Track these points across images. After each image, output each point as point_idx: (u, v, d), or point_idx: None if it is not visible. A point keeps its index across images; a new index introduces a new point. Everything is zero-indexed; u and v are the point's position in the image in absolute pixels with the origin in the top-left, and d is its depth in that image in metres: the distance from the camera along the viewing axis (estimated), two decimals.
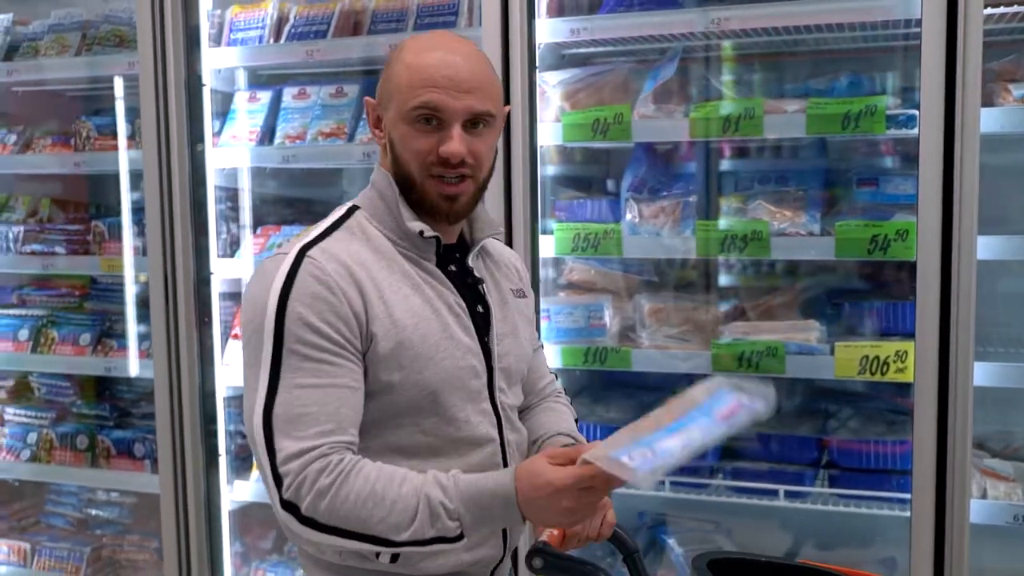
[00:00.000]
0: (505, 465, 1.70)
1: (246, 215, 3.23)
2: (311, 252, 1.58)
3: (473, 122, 1.61)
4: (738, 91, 2.76)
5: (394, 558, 1.54)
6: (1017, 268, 2.73)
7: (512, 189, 2.63)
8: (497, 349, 1.72)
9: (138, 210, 3.26)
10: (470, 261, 1.75)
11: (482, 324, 1.71)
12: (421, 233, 1.63)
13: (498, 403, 1.71)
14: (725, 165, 2.82)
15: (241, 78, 3.21)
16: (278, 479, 1.50)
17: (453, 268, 1.71)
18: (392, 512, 1.49)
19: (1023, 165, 2.79)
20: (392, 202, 1.66)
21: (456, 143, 1.59)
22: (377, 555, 1.54)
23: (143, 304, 3.26)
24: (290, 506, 1.50)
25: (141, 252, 3.23)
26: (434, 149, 1.60)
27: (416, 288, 1.64)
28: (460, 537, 1.50)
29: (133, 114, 3.24)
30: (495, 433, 1.70)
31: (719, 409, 1.51)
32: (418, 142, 1.60)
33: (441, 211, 1.64)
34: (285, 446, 1.50)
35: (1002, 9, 2.37)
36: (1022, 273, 2.76)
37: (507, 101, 2.59)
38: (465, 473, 1.55)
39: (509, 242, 2.63)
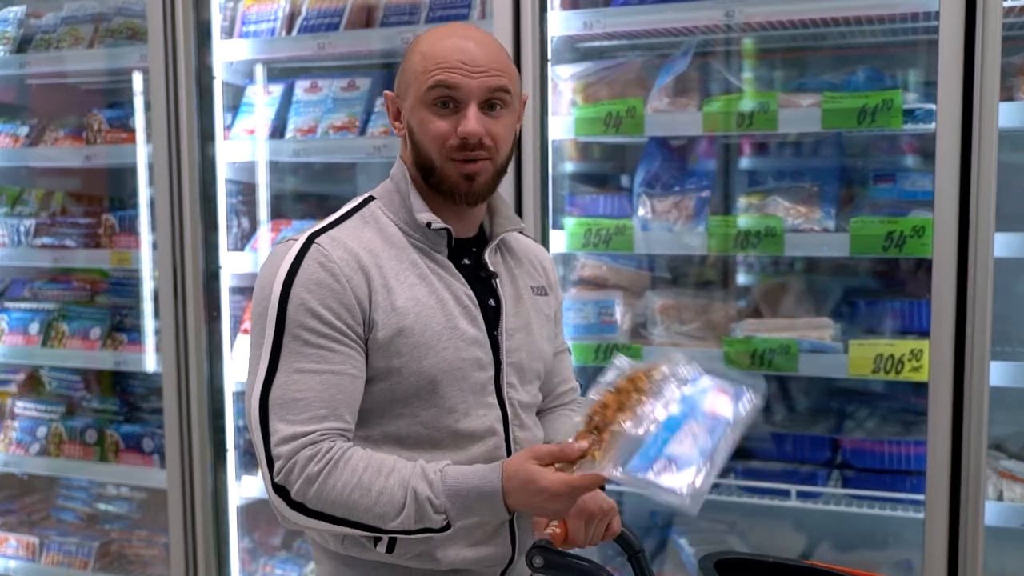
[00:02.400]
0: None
1: (257, 209, 3.21)
2: (319, 239, 1.60)
3: (490, 104, 1.61)
4: (753, 85, 2.73)
5: (390, 548, 1.57)
6: None
7: (522, 183, 2.60)
8: (506, 344, 1.70)
9: (150, 204, 3.25)
10: (487, 256, 1.73)
11: (492, 318, 1.69)
12: (429, 225, 1.63)
13: (506, 398, 1.69)
14: (739, 161, 2.79)
15: (253, 71, 3.20)
16: (270, 461, 1.53)
17: (467, 261, 1.71)
18: (378, 503, 1.51)
19: None
20: (405, 194, 1.67)
21: (473, 122, 1.58)
22: (375, 543, 1.57)
23: (155, 298, 3.25)
24: (280, 490, 1.52)
25: (152, 246, 3.22)
26: (452, 131, 1.60)
27: (423, 278, 1.64)
28: (447, 527, 1.52)
29: (146, 107, 3.23)
30: (500, 427, 1.68)
31: (705, 403, 1.50)
32: (436, 125, 1.60)
33: (460, 191, 1.63)
34: (279, 428, 1.52)
35: (1021, 2, 2.33)
36: None
37: None
38: (456, 466, 1.55)
39: None
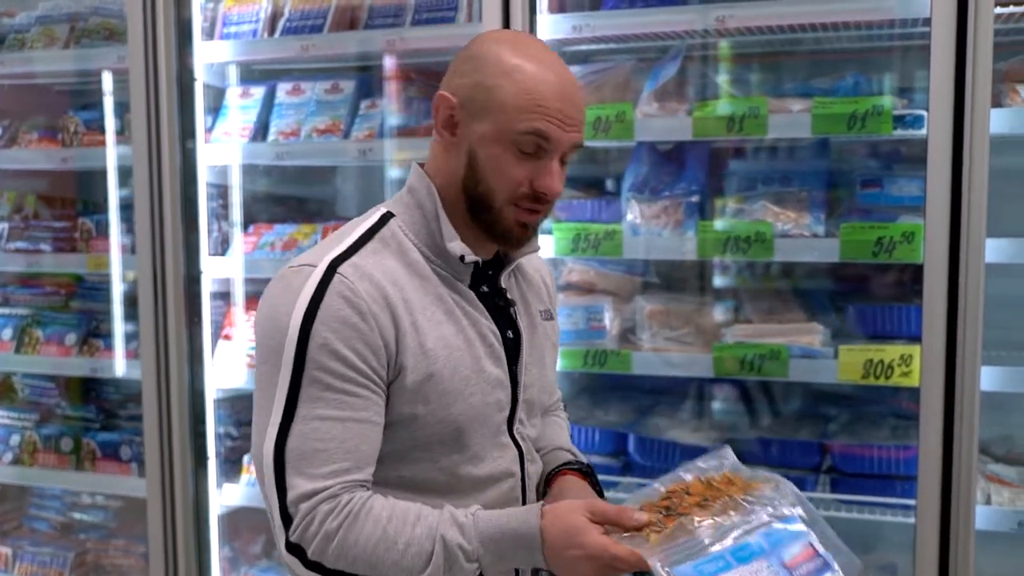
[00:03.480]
0: (524, 500, 1.61)
1: (238, 213, 3.17)
2: (342, 269, 1.44)
3: (565, 157, 1.51)
4: (742, 90, 2.73)
5: None
6: (1016, 270, 2.70)
7: None
8: (523, 380, 1.61)
9: (126, 207, 3.20)
10: (503, 281, 1.62)
11: (512, 351, 1.59)
12: (462, 258, 1.52)
13: (516, 435, 1.61)
14: (728, 165, 2.78)
15: (234, 73, 3.15)
16: (286, 519, 1.40)
17: (485, 288, 1.59)
18: (405, 556, 1.39)
19: None
20: (431, 215, 1.53)
21: (556, 179, 1.48)
22: None
23: (131, 303, 3.20)
24: (296, 549, 1.40)
25: (130, 250, 3.16)
26: (527, 179, 1.48)
27: (449, 314, 1.51)
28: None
29: (122, 109, 3.18)
30: (516, 467, 1.60)
31: (788, 552, 1.34)
32: (515, 169, 1.47)
33: (512, 238, 1.53)
34: (296, 484, 1.39)
35: (1011, 8, 2.34)
36: (1020, 275, 2.73)
37: None
38: (489, 510, 1.46)
39: None
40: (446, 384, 1.48)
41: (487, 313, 1.56)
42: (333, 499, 1.39)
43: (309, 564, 1.40)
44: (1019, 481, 2.53)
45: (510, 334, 1.60)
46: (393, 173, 3.15)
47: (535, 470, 1.66)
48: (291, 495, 1.39)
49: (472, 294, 1.56)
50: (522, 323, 1.63)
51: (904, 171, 2.62)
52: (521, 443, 1.62)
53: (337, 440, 1.40)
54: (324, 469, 1.39)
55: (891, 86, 2.72)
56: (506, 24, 2.55)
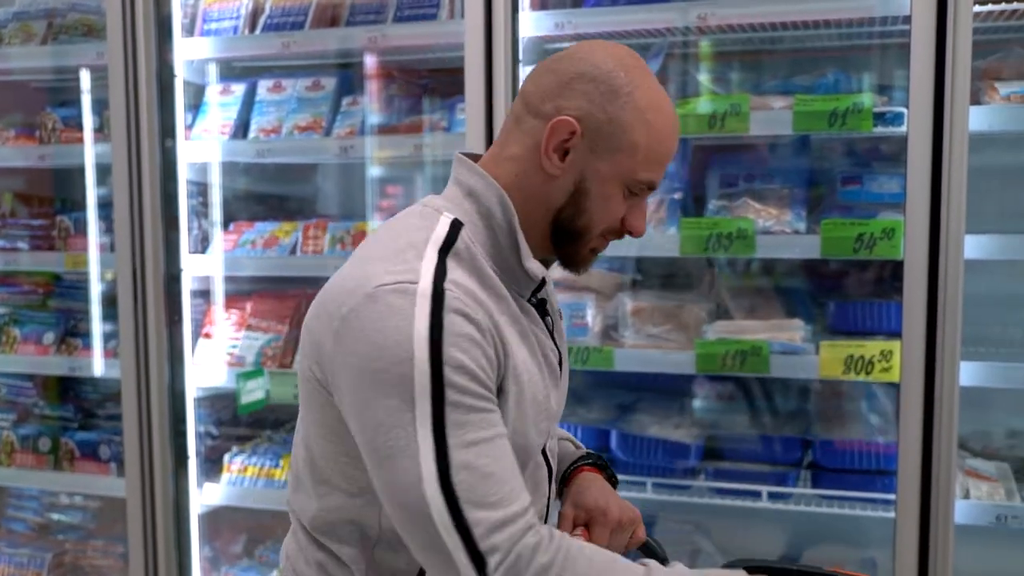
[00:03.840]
0: (545, 520, 1.57)
1: (219, 210, 3.15)
2: (447, 285, 1.32)
3: None
4: (723, 88, 2.74)
5: None
6: (992, 267, 2.73)
7: None
8: (556, 408, 1.55)
9: (105, 205, 3.18)
10: (545, 293, 1.56)
11: (557, 369, 1.53)
12: (541, 281, 1.46)
13: (548, 452, 1.55)
14: (709, 162, 2.79)
15: (214, 70, 3.13)
16: (479, 558, 1.24)
17: (532, 300, 1.51)
18: None
19: (1004, 165, 2.79)
20: (503, 230, 1.42)
21: (643, 222, 1.47)
22: None
23: (109, 302, 3.18)
24: None
25: (109, 248, 3.14)
26: (621, 216, 1.45)
27: (524, 336, 1.43)
28: None
29: (100, 106, 3.15)
30: (546, 487, 1.55)
31: None
32: (619, 209, 1.43)
33: (580, 263, 1.49)
34: (481, 519, 1.24)
35: (989, 7, 2.36)
36: (996, 272, 2.76)
37: (490, 96, 2.55)
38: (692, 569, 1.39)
39: None
40: (526, 407, 1.40)
41: (546, 331, 1.51)
42: (533, 531, 1.28)
43: None
44: (997, 475, 2.55)
45: (554, 350, 1.53)
46: (374, 171, 3.14)
47: (554, 489, 1.62)
48: (479, 531, 1.25)
49: (534, 312, 1.49)
50: (559, 339, 1.58)
51: (884, 168, 2.64)
52: (551, 460, 1.57)
53: (499, 461, 1.29)
54: (502, 492, 1.27)
55: (871, 84, 2.74)
56: (488, 20, 2.54)
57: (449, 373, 1.27)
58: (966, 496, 2.46)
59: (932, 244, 2.29)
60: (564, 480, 1.68)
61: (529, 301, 1.49)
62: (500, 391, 1.35)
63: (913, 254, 2.30)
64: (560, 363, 1.54)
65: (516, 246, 1.42)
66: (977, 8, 2.26)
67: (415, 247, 1.36)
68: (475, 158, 1.50)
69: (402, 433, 1.26)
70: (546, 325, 1.53)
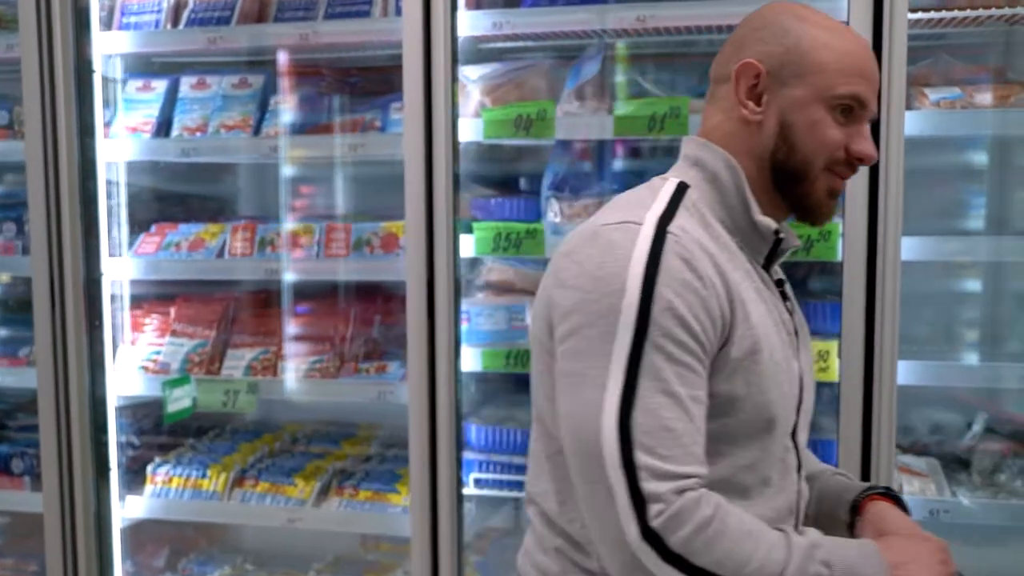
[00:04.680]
0: (797, 516, 1.52)
1: (140, 211, 3.02)
2: (672, 228, 1.32)
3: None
4: (664, 90, 2.74)
5: None
6: (915, 267, 2.80)
7: (434, 187, 2.53)
8: (806, 380, 1.50)
9: (14, 205, 3.02)
10: (777, 267, 1.54)
11: (794, 338, 1.50)
12: (776, 231, 1.44)
13: (798, 442, 1.51)
14: (648, 164, 2.80)
15: (133, 65, 3.01)
16: (640, 501, 1.22)
17: (772, 277, 1.50)
18: (772, 550, 1.26)
19: (934, 168, 2.87)
20: (730, 190, 1.43)
21: (871, 145, 1.44)
22: None
23: (18, 307, 3.02)
24: (654, 537, 1.23)
25: (20, 251, 2.99)
26: (842, 144, 1.43)
27: (759, 293, 1.41)
28: None
29: (10, 102, 3.00)
30: (795, 476, 1.49)
31: None
32: (833, 132, 1.41)
33: (823, 210, 1.46)
34: (651, 464, 1.23)
35: (920, 15, 2.42)
36: (915, 272, 2.83)
37: (429, 96, 2.51)
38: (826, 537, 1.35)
39: (430, 242, 2.54)
40: (765, 364, 1.35)
41: (782, 300, 1.49)
42: (697, 492, 1.25)
43: (669, 556, 1.23)
44: (927, 471, 2.62)
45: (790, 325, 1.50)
46: (296, 171, 3.07)
47: (804, 487, 1.56)
48: (644, 473, 1.22)
49: (768, 276, 1.48)
50: (796, 316, 1.55)
51: None
52: (800, 452, 1.52)
53: (684, 421, 1.26)
54: (676, 451, 1.24)
55: None
56: (427, 18, 2.50)
57: (657, 313, 1.25)
58: (901, 492, 2.51)
59: (870, 246, 2.33)
60: (853, 509, 1.61)
61: (765, 268, 1.48)
62: (726, 339, 1.32)
63: (852, 256, 2.34)
64: (797, 335, 1.51)
65: (745, 203, 1.43)
66: (911, 15, 2.31)
67: (642, 201, 1.39)
68: None
69: (596, 363, 1.26)
70: (783, 297, 1.51)
